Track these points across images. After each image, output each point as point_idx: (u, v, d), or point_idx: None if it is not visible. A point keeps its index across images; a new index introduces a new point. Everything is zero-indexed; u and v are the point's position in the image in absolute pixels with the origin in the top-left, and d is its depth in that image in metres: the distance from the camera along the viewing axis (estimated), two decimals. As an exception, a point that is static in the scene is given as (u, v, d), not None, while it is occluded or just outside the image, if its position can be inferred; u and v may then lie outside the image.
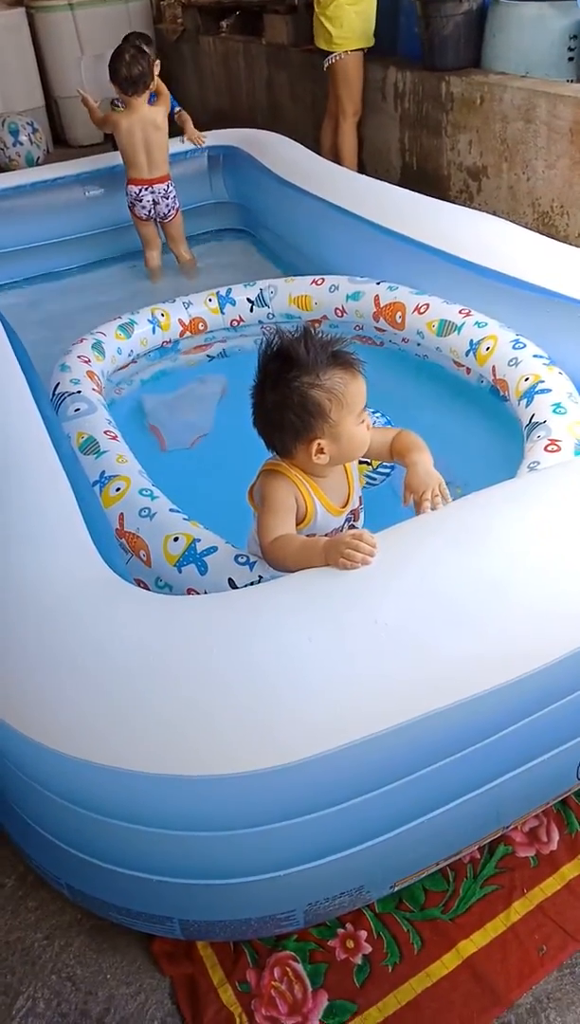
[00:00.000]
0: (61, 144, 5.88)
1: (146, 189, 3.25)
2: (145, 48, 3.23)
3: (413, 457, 1.50)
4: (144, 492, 1.82)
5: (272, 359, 1.44)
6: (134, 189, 3.26)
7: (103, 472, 1.89)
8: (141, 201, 3.25)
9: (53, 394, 2.22)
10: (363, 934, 1.38)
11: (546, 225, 3.57)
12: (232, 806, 1.13)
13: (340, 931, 1.39)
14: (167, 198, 3.28)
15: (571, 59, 3.52)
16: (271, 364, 1.44)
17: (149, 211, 3.28)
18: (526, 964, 1.33)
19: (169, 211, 3.31)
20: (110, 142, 4.85)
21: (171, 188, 3.29)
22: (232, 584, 1.56)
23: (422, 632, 1.22)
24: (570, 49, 3.51)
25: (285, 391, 1.41)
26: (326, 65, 4.07)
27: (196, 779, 1.11)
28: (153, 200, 3.26)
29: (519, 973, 1.32)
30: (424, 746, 1.19)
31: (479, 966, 1.33)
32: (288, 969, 1.35)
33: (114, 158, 3.58)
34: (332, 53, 4.00)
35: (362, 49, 4.01)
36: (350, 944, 1.37)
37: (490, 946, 1.35)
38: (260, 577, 1.53)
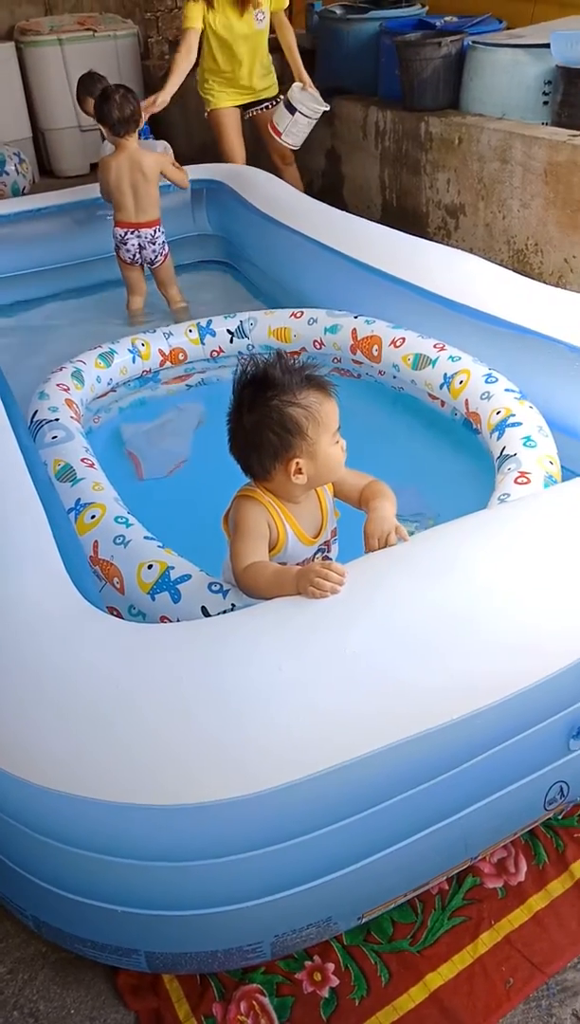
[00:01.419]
0: (47, 175, 5.94)
1: (132, 232, 3.16)
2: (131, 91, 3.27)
3: (374, 503, 1.53)
4: (119, 520, 1.82)
5: (248, 383, 1.47)
6: (120, 232, 3.17)
7: (78, 500, 1.89)
8: (126, 244, 3.18)
9: (31, 421, 2.23)
10: (331, 966, 1.38)
11: (521, 262, 3.65)
12: (198, 836, 1.13)
13: (308, 963, 1.38)
14: (153, 243, 3.20)
15: (545, 103, 3.63)
16: (247, 388, 1.47)
17: (134, 255, 3.21)
18: (493, 997, 1.33)
19: (156, 257, 3.23)
20: (95, 173, 4.91)
21: (159, 233, 3.21)
22: (205, 612, 1.56)
23: (389, 662, 1.24)
24: (544, 93, 3.63)
25: (264, 410, 1.44)
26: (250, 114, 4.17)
27: (162, 809, 1.11)
28: (139, 245, 3.18)
29: (486, 1006, 1.32)
30: (391, 776, 1.20)
31: (446, 999, 1.33)
32: (254, 1002, 1.33)
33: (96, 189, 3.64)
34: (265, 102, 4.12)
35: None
36: (317, 977, 1.36)
37: (457, 979, 1.35)
38: (233, 605, 1.54)
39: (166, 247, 3.26)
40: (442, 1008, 1.32)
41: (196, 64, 3.89)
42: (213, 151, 5.24)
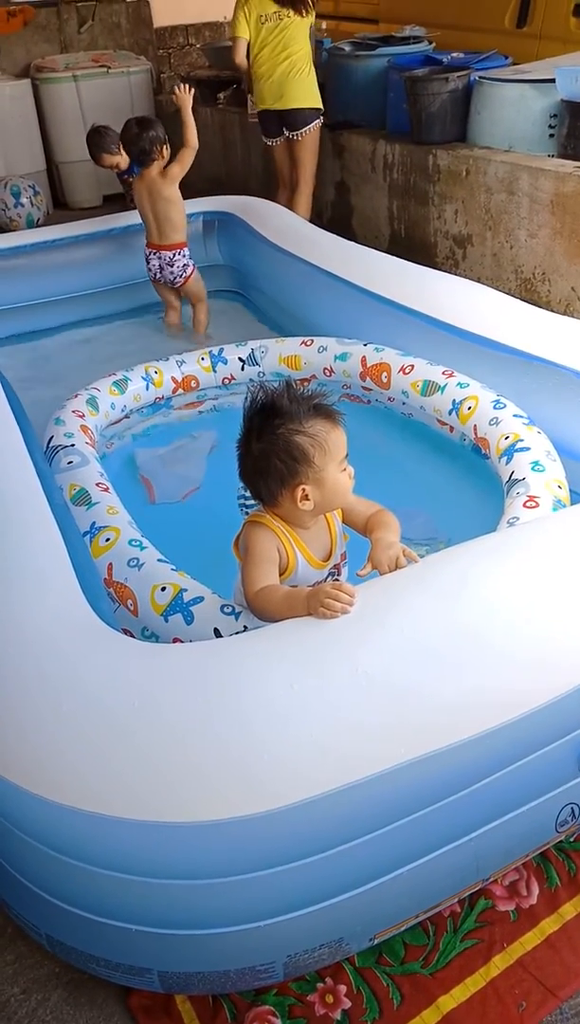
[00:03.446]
0: (61, 207, 6.07)
1: (154, 253, 3.38)
2: (150, 120, 3.38)
3: (378, 534, 1.55)
4: (133, 543, 1.85)
5: (257, 412, 1.51)
6: (145, 251, 3.41)
7: (93, 523, 1.93)
8: (148, 263, 3.40)
9: (47, 447, 2.28)
10: (343, 988, 1.37)
11: (528, 291, 3.71)
12: (213, 853, 1.15)
13: (320, 985, 1.38)
14: (172, 266, 3.36)
15: (551, 135, 3.71)
16: (256, 416, 1.51)
17: (156, 274, 3.42)
18: (506, 1021, 1.32)
19: (176, 279, 3.40)
20: (108, 205, 5.02)
21: (178, 256, 3.36)
22: (217, 634, 1.59)
23: (402, 681, 1.26)
24: (550, 127, 3.71)
25: (271, 438, 1.47)
26: (303, 133, 4.20)
27: (178, 826, 1.13)
28: (159, 265, 3.38)
29: (499, 1030, 1.31)
30: (403, 795, 1.22)
31: (459, 1022, 1.32)
32: (267, 1024, 1.33)
33: (110, 221, 3.73)
34: (308, 118, 4.16)
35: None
36: (330, 999, 1.36)
37: (470, 1002, 1.35)
38: (245, 627, 1.56)
39: (188, 270, 3.40)
40: (455, 1031, 1.31)
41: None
42: (225, 184, 5.31)
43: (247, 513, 1.63)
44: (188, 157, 3.27)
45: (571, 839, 1.57)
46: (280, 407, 1.48)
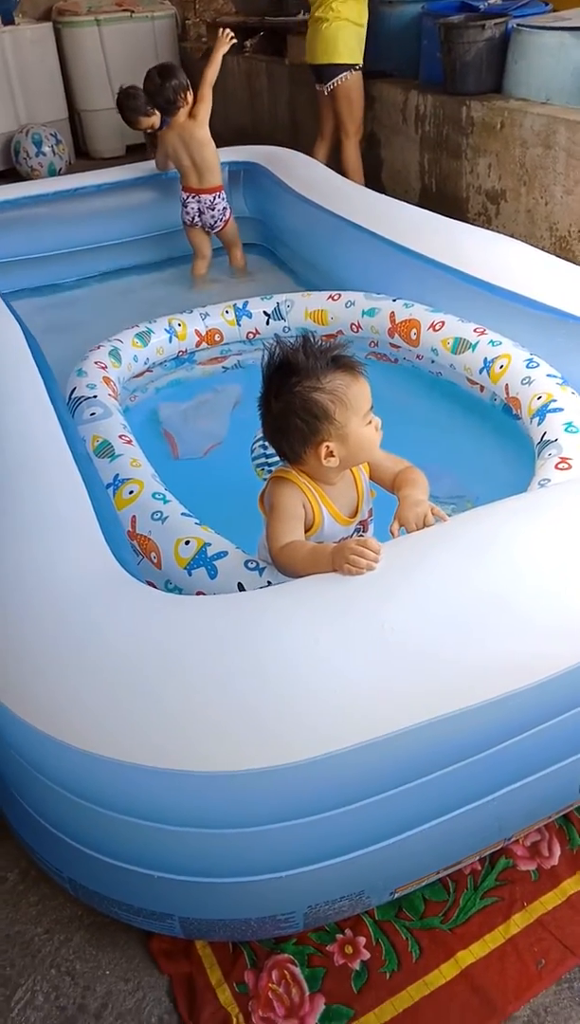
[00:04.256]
0: (83, 156, 5.97)
1: (193, 197, 3.36)
2: (170, 67, 3.33)
3: (405, 491, 1.52)
4: (157, 496, 1.84)
5: (275, 369, 1.47)
6: (183, 195, 3.39)
7: (117, 475, 1.91)
8: (186, 207, 3.38)
9: (69, 398, 2.25)
10: (362, 940, 1.38)
11: (563, 250, 3.60)
12: (235, 804, 1.14)
13: (339, 936, 1.39)
14: (213, 209, 3.37)
15: (591, 87, 3.57)
16: (274, 374, 1.47)
17: (194, 219, 3.40)
18: (524, 977, 1.33)
19: (216, 222, 3.40)
20: (131, 155, 4.92)
21: (218, 199, 3.38)
22: (241, 589, 1.57)
23: (427, 639, 1.23)
24: (590, 78, 3.57)
25: (288, 397, 1.44)
26: (332, 86, 4.16)
27: (200, 775, 1.12)
28: (198, 209, 3.37)
29: (517, 986, 1.32)
30: (426, 753, 1.20)
31: (477, 977, 1.33)
32: (286, 972, 1.35)
33: (133, 170, 3.66)
34: (334, 72, 4.09)
35: (360, 67, 4.13)
36: (349, 950, 1.37)
37: (489, 958, 1.35)
38: (269, 582, 1.54)
39: (227, 213, 3.41)
40: (473, 986, 1.32)
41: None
42: (250, 134, 5.21)
43: (269, 472, 1.60)
44: (206, 92, 3.26)
45: (594, 802, 1.56)
46: (296, 363, 1.44)
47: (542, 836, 1.52)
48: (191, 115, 3.25)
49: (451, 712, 1.19)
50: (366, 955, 1.37)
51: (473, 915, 1.41)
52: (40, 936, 1.41)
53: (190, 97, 3.25)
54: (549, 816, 1.47)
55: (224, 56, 3.34)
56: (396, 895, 1.38)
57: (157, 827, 1.16)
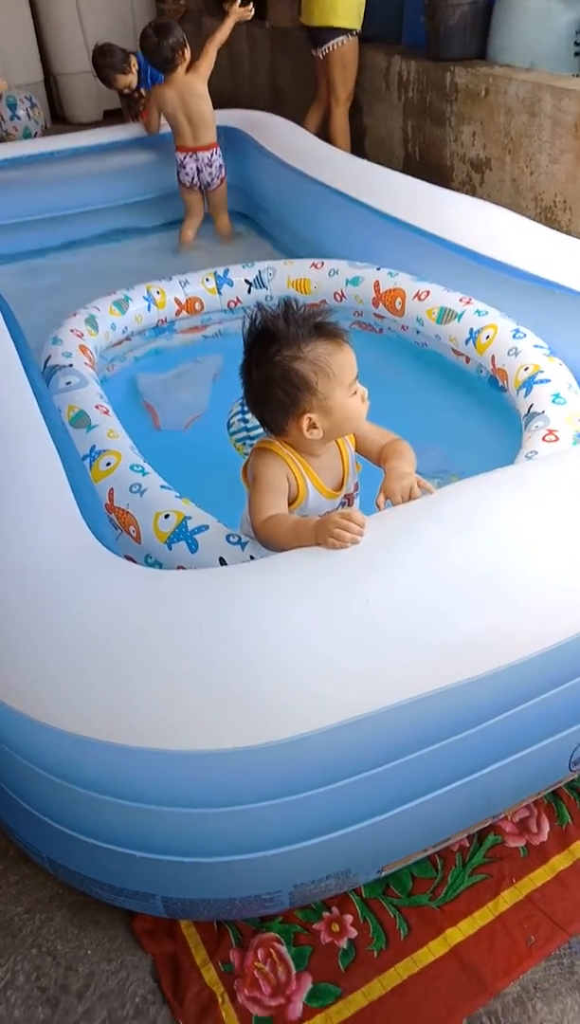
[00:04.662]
0: (59, 121, 5.80)
1: (190, 156, 3.32)
2: (167, 25, 3.27)
3: (392, 463, 1.47)
4: (135, 468, 1.78)
5: (255, 338, 1.41)
6: (179, 156, 3.33)
7: (93, 446, 1.85)
8: (185, 168, 3.33)
9: (44, 367, 2.18)
10: (349, 918, 1.36)
11: (548, 220, 3.55)
12: (214, 783, 1.11)
13: (326, 914, 1.37)
14: (210, 166, 3.34)
15: (577, 54, 3.50)
16: (255, 342, 1.42)
17: (193, 179, 3.35)
18: (514, 954, 1.31)
19: (213, 180, 3.37)
20: (108, 121, 4.79)
21: (215, 156, 3.34)
22: (223, 563, 1.53)
23: (411, 614, 1.20)
24: (576, 43, 3.49)
25: (268, 367, 1.38)
26: (326, 51, 4.04)
27: (179, 754, 1.09)
28: (197, 168, 3.33)
29: (506, 963, 1.30)
30: (411, 731, 1.17)
31: (466, 954, 1.31)
32: (272, 951, 1.32)
33: (112, 134, 3.56)
34: (331, 36, 3.98)
35: (358, 32, 4.02)
36: (335, 928, 1.35)
37: (478, 935, 1.34)
38: (252, 557, 1.50)
39: (223, 171, 3.37)
40: (462, 963, 1.30)
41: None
42: (231, 99, 5.08)
43: (250, 446, 1.55)
44: (212, 49, 3.23)
45: (583, 777, 1.54)
46: (276, 331, 1.38)
47: (531, 813, 1.50)
48: (191, 69, 3.21)
49: (438, 688, 1.16)
50: (353, 933, 1.34)
51: (462, 892, 1.39)
52: (20, 916, 1.38)
53: (188, 53, 3.19)
54: (538, 792, 1.45)
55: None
56: (383, 873, 1.35)
57: (137, 807, 1.12)
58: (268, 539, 1.39)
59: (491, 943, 1.32)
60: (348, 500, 1.60)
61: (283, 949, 1.32)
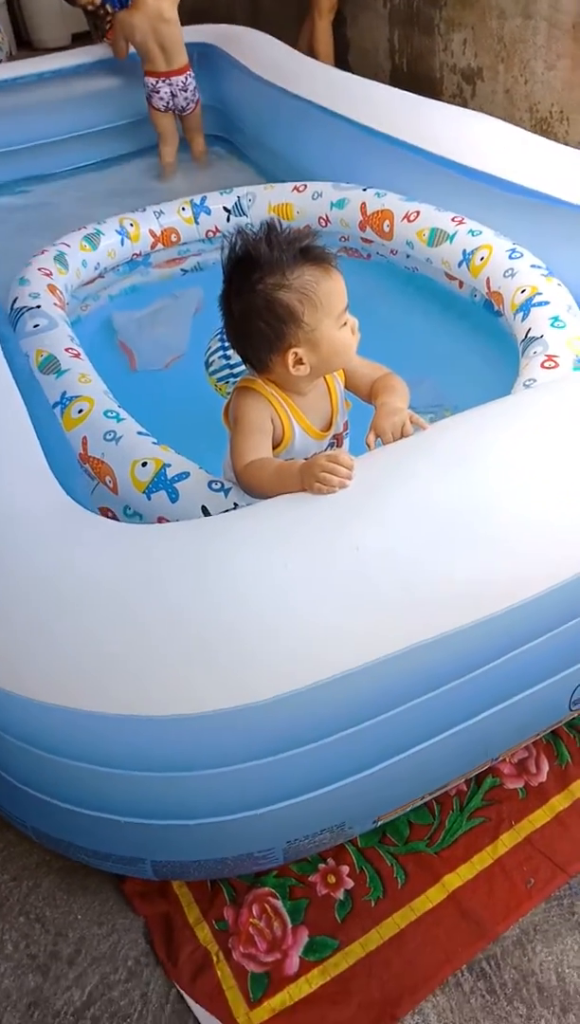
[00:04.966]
0: (25, 47, 5.48)
1: (163, 81, 3.17)
2: None
3: (382, 399, 1.38)
4: (109, 414, 1.69)
5: (235, 264, 1.31)
6: (151, 81, 3.18)
7: (64, 392, 1.75)
8: (159, 93, 3.18)
9: (11, 309, 2.07)
10: (345, 869, 1.33)
11: (544, 132, 3.36)
12: (198, 745, 1.06)
13: (321, 866, 1.34)
14: (185, 91, 3.20)
15: (574, -55, 3.25)
16: (234, 269, 1.31)
17: (167, 103, 3.21)
18: (513, 897, 1.29)
19: (189, 104, 3.24)
20: (77, 44, 4.53)
21: (190, 80, 3.20)
22: (205, 512, 1.45)
23: (404, 560, 1.13)
24: None
25: (250, 297, 1.28)
26: None
27: (158, 719, 1.04)
28: (171, 92, 3.18)
29: (506, 906, 1.28)
30: (405, 681, 1.12)
31: (465, 900, 1.29)
32: (267, 906, 1.30)
33: (79, 56, 3.35)
34: None
35: None
36: (331, 879, 1.32)
37: (476, 879, 1.31)
38: (235, 504, 1.42)
39: (198, 94, 3.24)
40: (461, 908, 1.28)
41: None
42: (207, 14, 4.80)
43: (233, 385, 1.45)
44: None
45: (583, 716, 1.50)
46: (258, 256, 1.27)
47: (529, 753, 1.46)
48: None
49: (432, 637, 1.10)
50: (350, 884, 1.32)
51: (459, 837, 1.36)
52: (7, 883, 1.35)
53: None
54: (537, 733, 1.41)
55: None
56: (379, 823, 1.32)
57: (117, 773, 1.08)
58: (250, 485, 1.31)
59: (490, 887, 1.30)
60: (337, 440, 1.52)
61: (278, 904, 1.30)
